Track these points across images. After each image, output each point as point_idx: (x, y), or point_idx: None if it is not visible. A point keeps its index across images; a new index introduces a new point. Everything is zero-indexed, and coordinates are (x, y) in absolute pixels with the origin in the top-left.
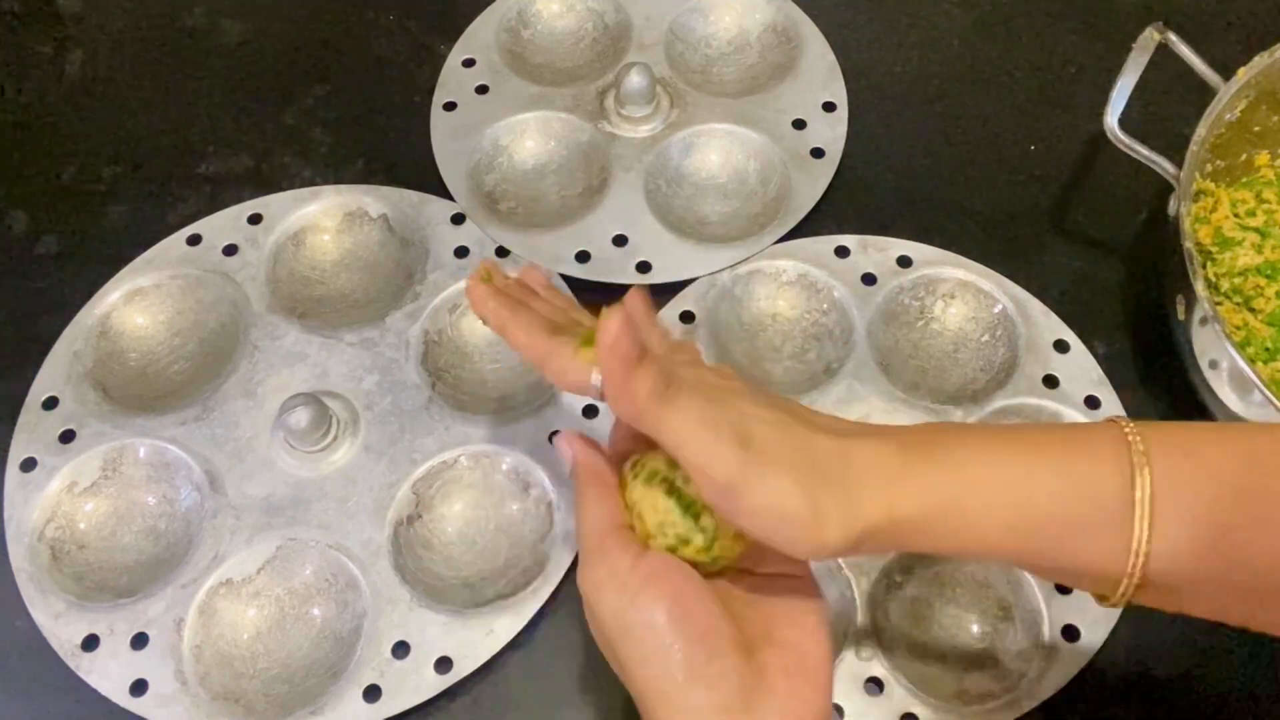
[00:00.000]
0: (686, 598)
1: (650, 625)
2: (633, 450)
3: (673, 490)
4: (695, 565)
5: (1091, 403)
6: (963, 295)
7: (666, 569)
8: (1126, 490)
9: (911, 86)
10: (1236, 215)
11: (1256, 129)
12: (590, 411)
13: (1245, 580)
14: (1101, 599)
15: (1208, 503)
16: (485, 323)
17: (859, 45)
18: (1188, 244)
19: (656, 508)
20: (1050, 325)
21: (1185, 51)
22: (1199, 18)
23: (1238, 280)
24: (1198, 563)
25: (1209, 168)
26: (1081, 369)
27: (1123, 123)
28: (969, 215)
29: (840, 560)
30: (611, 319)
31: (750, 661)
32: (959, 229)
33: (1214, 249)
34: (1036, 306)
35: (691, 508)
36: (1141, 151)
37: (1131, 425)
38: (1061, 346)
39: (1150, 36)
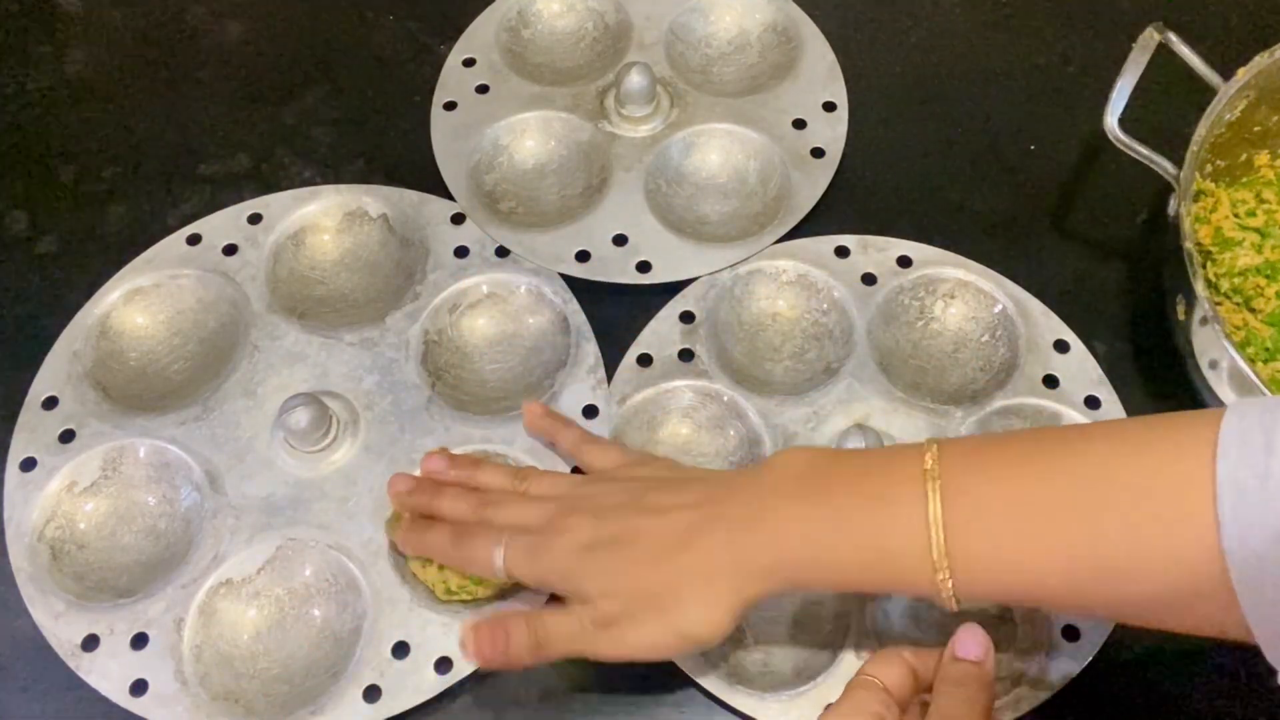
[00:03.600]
0: None
1: None
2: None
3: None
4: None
5: (1091, 403)
6: (963, 295)
7: None
8: (924, 529)
9: (911, 86)
10: (1236, 215)
11: (1256, 129)
12: (590, 411)
13: (1023, 593)
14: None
15: (990, 537)
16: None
17: (859, 45)
18: (1187, 244)
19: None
20: (1050, 325)
21: (1185, 51)
22: (1199, 18)
23: (1238, 280)
24: (994, 580)
25: (1209, 168)
26: (1081, 369)
27: (1123, 123)
28: (969, 215)
29: None
30: (467, 635)
31: None
32: (959, 229)
33: (1214, 249)
34: (1036, 306)
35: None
36: (1141, 151)
37: (934, 456)
38: (1061, 346)
39: (1150, 36)
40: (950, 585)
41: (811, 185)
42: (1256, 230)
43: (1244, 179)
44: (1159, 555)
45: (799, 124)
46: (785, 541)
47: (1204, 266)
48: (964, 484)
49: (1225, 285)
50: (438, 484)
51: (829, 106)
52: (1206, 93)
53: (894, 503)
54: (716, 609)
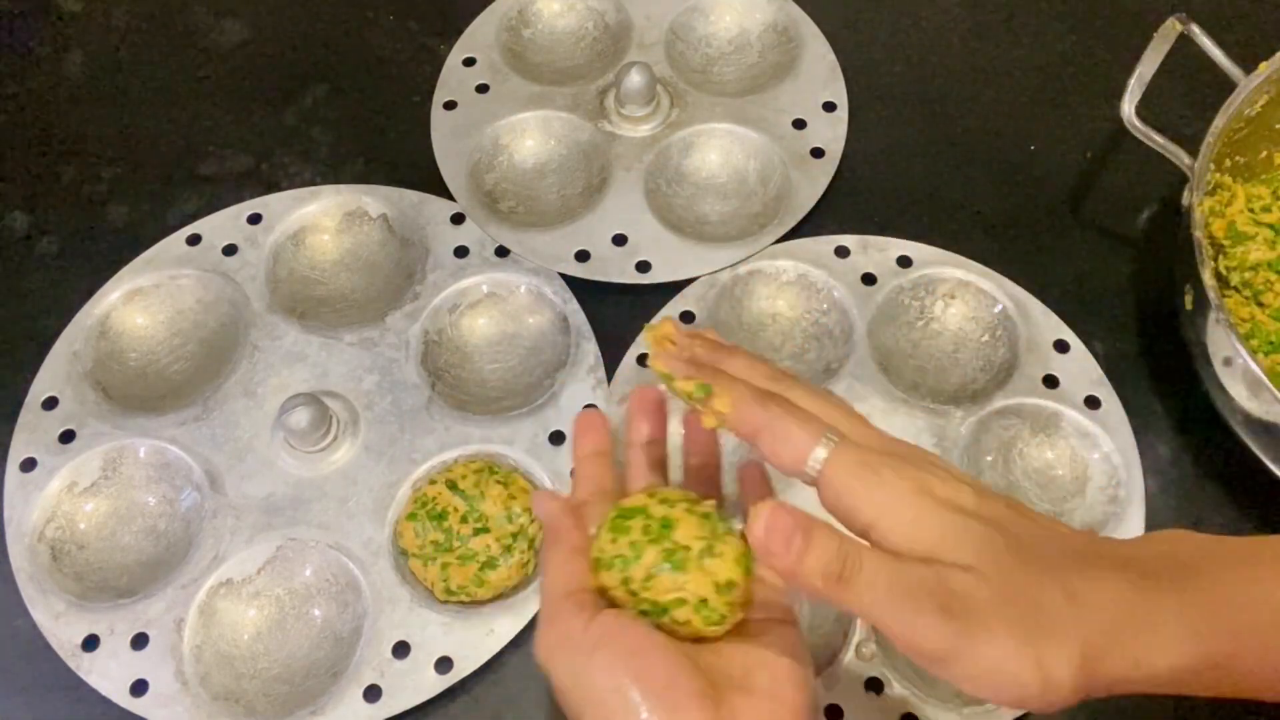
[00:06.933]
0: (642, 654)
1: (607, 687)
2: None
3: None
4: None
5: (1091, 403)
6: (963, 295)
7: (619, 628)
8: None
9: (911, 86)
10: (1251, 210)
11: (1278, 126)
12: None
13: None
14: None
15: None
16: (678, 392)
17: (859, 45)
18: (1197, 233)
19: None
20: (1050, 325)
21: (1207, 43)
22: (1212, 14)
23: (1248, 274)
24: None
25: (1228, 163)
26: (1081, 369)
27: (1136, 114)
28: (969, 215)
29: None
30: (763, 509)
31: (718, 711)
32: (959, 229)
33: (1226, 243)
34: (1036, 306)
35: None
36: (1158, 140)
37: None
38: (1061, 346)
39: (1172, 26)
40: None
41: (811, 185)
42: (1270, 226)
43: (1262, 175)
44: None
45: (799, 124)
46: (1226, 602)
47: (1215, 259)
48: None
49: (1235, 279)
50: (732, 347)
51: (829, 106)
52: (1216, 91)
53: None
54: (1095, 664)
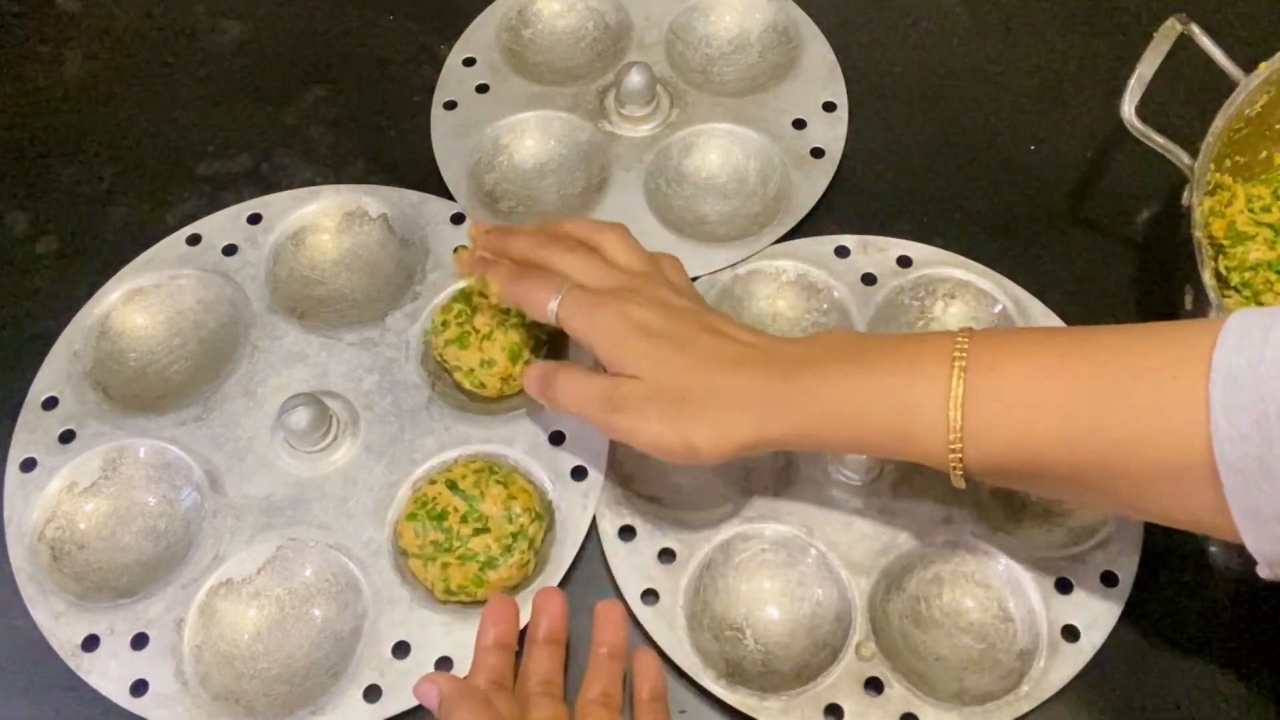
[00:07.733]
0: None
1: None
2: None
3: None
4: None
5: None
6: (963, 295)
7: None
8: (945, 396)
9: (911, 86)
10: (1251, 210)
11: (1278, 126)
12: None
13: (1030, 468)
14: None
15: (1007, 407)
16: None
17: (859, 45)
18: (1197, 233)
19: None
20: (1050, 325)
21: (1207, 43)
22: (1201, 16)
23: (1248, 275)
24: (1005, 451)
25: (1228, 163)
26: None
27: (1136, 114)
28: (969, 215)
29: (839, 561)
30: (528, 370)
31: None
32: (959, 229)
33: (1226, 243)
34: (1036, 306)
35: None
36: (1158, 141)
37: (966, 337)
38: None
39: (1172, 26)
40: (961, 461)
41: (811, 185)
42: (1270, 226)
43: (1262, 175)
44: (1154, 431)
45: (799, 124)
46: (816, 395)
47: (1215, 259)
48: (986, 370)
49: (1236, 279)
50: (514, 229)
51: (829, 106)
52: (1215, 92)
53: (922, 377)
54: (727, 436)
